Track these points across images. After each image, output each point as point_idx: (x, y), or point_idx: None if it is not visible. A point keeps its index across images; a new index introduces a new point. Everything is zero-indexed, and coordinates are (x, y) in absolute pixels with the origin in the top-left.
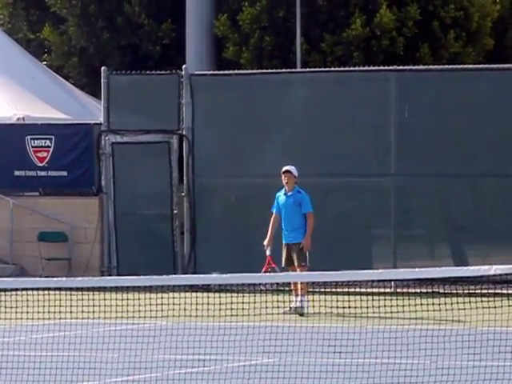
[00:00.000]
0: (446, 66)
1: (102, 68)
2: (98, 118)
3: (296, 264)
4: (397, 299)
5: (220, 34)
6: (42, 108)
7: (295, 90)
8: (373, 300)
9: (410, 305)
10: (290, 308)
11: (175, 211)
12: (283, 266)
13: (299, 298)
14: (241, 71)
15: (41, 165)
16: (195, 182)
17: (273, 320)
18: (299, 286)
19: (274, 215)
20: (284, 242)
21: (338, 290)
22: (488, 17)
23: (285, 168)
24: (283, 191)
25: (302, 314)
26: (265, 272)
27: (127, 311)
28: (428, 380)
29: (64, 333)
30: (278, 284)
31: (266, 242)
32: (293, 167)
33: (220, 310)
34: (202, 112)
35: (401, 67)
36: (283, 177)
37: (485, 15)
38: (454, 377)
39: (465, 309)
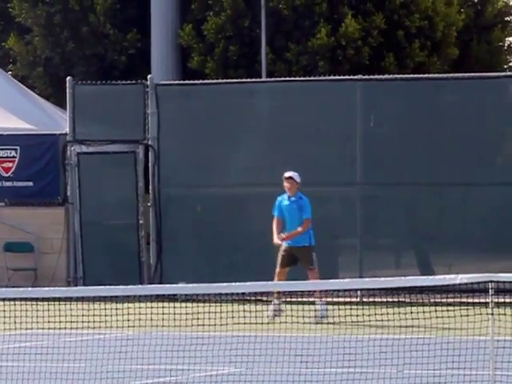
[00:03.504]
0: (411, 76)
1: (68, 78)
2: (64, 128)
3: (305, 267)
4: (363, 308)
5: (185, 43)
6: (8, 118)
7: (260, 99)
8: (339, 309)
9: (376, 314)
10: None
11: (141, 221)
12: (278, 268)
13: (318, 307)
14: (206, 81)
15: (6, 175)
16: (161, 192)
17: (239, 330)
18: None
19: (276, 219)
20: (286, 244)
21: (305, 299)
22: (453, 26)
23: (287, 174)
24: (286, 196)
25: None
26: None
27: (93, 321)
28: None
29: (30, 343)
30: (244, 294)
31: (276, 240)
32: (295, 173)
33: (186, 319)
34: (167, 122)
35: (366, 76)
36: (285, 183)
37: (449, 24)
38: None
39: (431, 318)
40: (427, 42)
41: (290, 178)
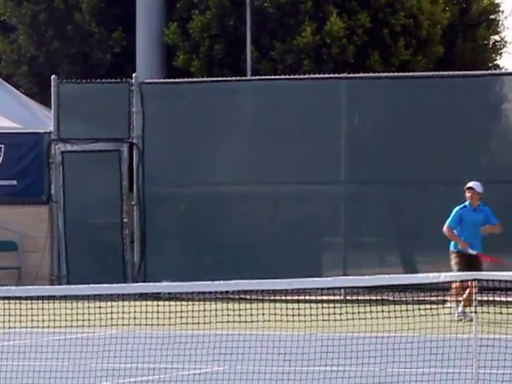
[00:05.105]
0: (396, 74)
1: (52, 77)
2: (48, 126)
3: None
4: (346, 307)
5: (170, 42)
6: None
7: (246, 98)
8: (322, 308)
9: (359, 312)
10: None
11: (125, 220)
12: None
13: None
14: (191, 79)
15: None
16: (145, 191)
17: (223, 328)
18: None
19: (451, 228)
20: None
21: (288, 297)
22: (438, 24)
23: (468, 184)
24: (468, 207)
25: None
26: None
27: (77, 320)
28: None
29: (13, 342)
30: (228, 292)
31: (462, 246)
32: (477, 183)
33: (170, 318)
34: (152, 120)
35: (351, 75)
36: (467, 193)
37: (434, 23)
38: None
39: (414, 316)
40: (412, 40)
41: (471, 188)
